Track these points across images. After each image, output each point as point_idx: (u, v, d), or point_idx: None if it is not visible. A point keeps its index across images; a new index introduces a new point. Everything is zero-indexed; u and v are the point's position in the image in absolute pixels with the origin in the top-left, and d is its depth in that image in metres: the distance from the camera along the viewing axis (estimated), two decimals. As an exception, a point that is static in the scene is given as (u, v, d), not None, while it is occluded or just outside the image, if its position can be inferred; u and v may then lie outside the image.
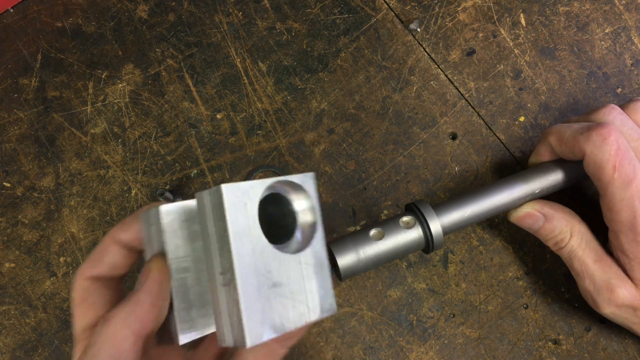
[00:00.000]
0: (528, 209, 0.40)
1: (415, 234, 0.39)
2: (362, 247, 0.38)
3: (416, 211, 0.39)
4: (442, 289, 0.44)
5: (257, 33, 0.50)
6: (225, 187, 0.24)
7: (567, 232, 0.39)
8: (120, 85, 0.49)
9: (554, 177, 0.41)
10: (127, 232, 0.36)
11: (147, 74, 0.49)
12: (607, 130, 0.36)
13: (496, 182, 0.41)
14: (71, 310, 0.35)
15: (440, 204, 0.40)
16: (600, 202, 0.37)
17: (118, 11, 0.51)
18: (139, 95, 0.49)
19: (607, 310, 0.38)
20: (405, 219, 0.39)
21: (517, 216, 0.41)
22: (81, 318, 0.34)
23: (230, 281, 0.24)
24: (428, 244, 0.39)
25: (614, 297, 0.37)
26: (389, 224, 0.39)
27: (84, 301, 0.35)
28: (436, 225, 0.38)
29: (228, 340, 0.25)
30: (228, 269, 0.24)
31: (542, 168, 0.41)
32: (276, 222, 0.29)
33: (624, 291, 0.37)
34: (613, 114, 0.38)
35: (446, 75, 0.49)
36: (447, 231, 0.40)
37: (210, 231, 0.25)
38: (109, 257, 0.36)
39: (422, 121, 0.48)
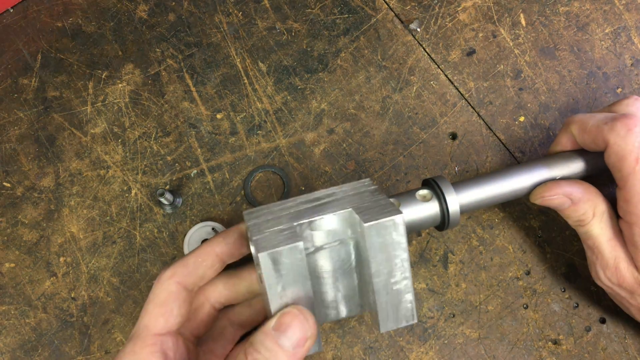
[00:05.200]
0: (557, 194, 0.38)
1: (431, 209, 0.38)
2: None
3: (434, 186, 0.38)
4: (442, 289, 0.44)
5: (257, 33, 0.50)
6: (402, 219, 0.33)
7: (590, 213, 0.38)
8: (120, 85, 0.49)
9: (576, 166, 0.40)
10: (226, 245, 0.37)
11: (147, 74, 0.49)
12: (633, 121, 0.35)
13: (518, 165, 0.40)
14: (146, 305, 0.35)
15: (459, 182, 0.39)
16: (617, 193, 0.37)
17: (118, 11, 0.51)
18: (139, 95, 0.49)
19: (607, 285, 0.39)
20: (422, 192, 0.38)
21: (542, 197, 0.39)
22: (153, 319, 0.34)
23: (406, 285, 0.35)
24: (444, 220, 0.38)
25: (618, 277, 0.37)
26: (404, 196, 0.38)
27: (164, 305, 0.35)
28: (454, 201, 0.38)
29: (391, 325, 0.35)
30: (404, 278, 0.34)
31: (564, 155, 0.40)
32: None
33: (629, 274, 0.37)
34: (637, 105, 0.38)
35: (446, 75, 0.49)
36: (464, 210, 0.39)
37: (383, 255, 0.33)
38: (204, 268, 0.36)
39: (422, 121, 0.48)
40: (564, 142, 0.41)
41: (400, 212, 0.33)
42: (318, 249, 0.35)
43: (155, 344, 0.34)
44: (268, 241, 0.32)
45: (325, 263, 0.36)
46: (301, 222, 0.34)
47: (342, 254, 0.36)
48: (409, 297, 0.35)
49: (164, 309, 0.35)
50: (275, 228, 0.34)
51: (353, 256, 0.36)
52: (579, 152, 0.40)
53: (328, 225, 0.35)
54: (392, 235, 0.33)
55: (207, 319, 0.38)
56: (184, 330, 0.37)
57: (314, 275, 0.36)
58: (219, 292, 0.38)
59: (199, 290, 0.38)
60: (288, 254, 0.32)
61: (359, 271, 0.36)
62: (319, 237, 0.35)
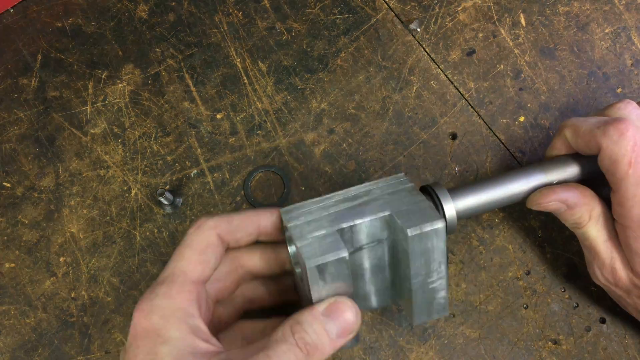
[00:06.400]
0: (553, 200, 0.39)
1: None
2: None
3: (431, 193, 0.38)
4: (442, 289, 0.44)
5: (257, 33, 0.50)
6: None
7: (586, 217, 0.38)
8: (120, 85, 0.49)
9: (572, 170, 0.40)
10: (270, 224, 0.36)
11: (147, 74, 0.49)
12: (625, 126, 0.35)
13: (514, 171, 0.40)
14: (182, 250, 0.34)
15: (456, 189, 0.40)
16: (611, 196, 0.37)
17: (118, 11, 0.51)
18: (139, 95, 0.49)
19: (604, 284, 0.39)
20: None
21: (538, 204, 0.39)
22: (192, 265, 0.33)
23: (441, 284, 0.36)
24: None
25: (614, 276, 0.38)
26: None
27: (202, 253, 0.34)
28: (450, 209, 0.38)
29: (424, 318, 0.37)
30: (440, 277, 0.35)
31: (560, 160, 0.40)
32: None
33: (624, 275, 0.38)
34: (629, 109, 0.38)
35: (446, 75, 0.49)
36: (462, 216, 0.39)
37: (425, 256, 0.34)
38: (243, 233, 0.36)
39: (422, 121, 0.48)
40: (558, 147, 0.41)
41: (441, 218, 0.33)
42: (357, 249, 0.36)
43: (193, 292, 0.33)
44: (313, 250, 0.33)
45: (363, 262, 0.36)
46: (342, 226, 0.34)
47: (379, 252, 0.36)
48: (443, 293, 0.36)
49: (202, 257, 0.34)
50: (318, 233, 0.34)
51: (388, 253, 0.36)
52: (575, 156, 0.40)
53: (368, 228, 0.35)
54: (433, 241, 0.33)
55: (234, 285, 0.38)
56: (210, 288, 0.36)
57: (352, 272, 0.36)
58: (254, 262, 0.38)
59: (235, 255, 0.37)
60: (334, 264, 0.32)
61: (393, 267, 0.37)
62: (359, 239, 0.35)
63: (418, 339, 0.43)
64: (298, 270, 0.37)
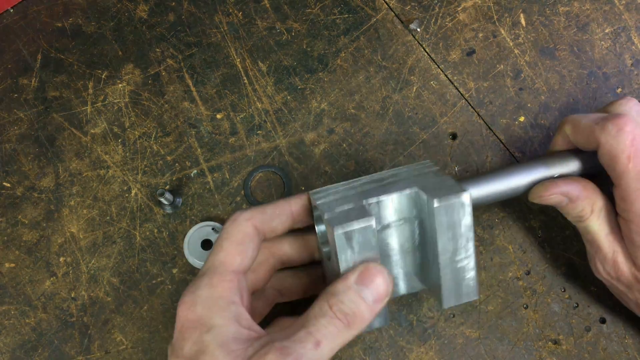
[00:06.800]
0: (555, 193, 0.39)
1: None
2: None
3: None
4: (442, 289, 0.44)
5: (257, 33, 0.50)
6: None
7: (588, 210, 0.38)
8: (120, 85, 0.49)
9: (574, 164, 0.40)
10: (301, 207, 0.37)
11: (147, 74, 0.49)
12: (624, 121, 0.36)
13: (516, 165, 0.40)
14: (221, 242, 0.35)
15: (459, 181, 0.40)
16: (613, 191, 0.37)
17: (118, 11, 0.51)
18: (139, 95, 0.49)
19: (606, 278, 0.39)
20: None
21: (540, 196, 0.39)
22: (230, 256, 0.34)
23: (469, 263, 0.35)
24: None
25: (616, 270, 0.38)
26: None
27: (241, 244, 0.35)
28: None
29: (453, 302, 0.36)
30: (468, 256, 0.35)
31: (562, 154, 0.41)
32: None
33: (626, 269, 0.38)
34: (629, 105, 0.38)
35: (446, 75, 0.49)
36: None
37: (450, 232, 0.34)
38: (278, 221, 0.37)
39: (422, 121, 0.48)
40: (559, 143, 0.41)
41: (467, 191, 0.34)
42: (385, 227, 0.36)
43: (233, 280, 0.34)
44: (341, 219, 0.33)
45: (391, 241, 0.37)
46: (370, 201, 0.35)
47: (407, 233, 0.37)
48: (472, 274, 0.36)
49: (240, 247, 0.35)
50: (346, 207, 0.35)
51: (417, 235, 0.37)
52: (577, 151, 0.41)
53: (395, 204, 0.36)
54: (459, 214, 0.34)
55: (268, 274, 0.38)
56: (247, 279, 0.37)
57: (381, 252, 0.36)
58: (284, 251, 0.39)
59: (266, 245, 0.38)
60: (361, 232, 0.33)
61: (421, 250, 0.37)
62: (386, 216, 0.36)
63: (418, 338, 0.43)
64: (326, 249, 0.38)
